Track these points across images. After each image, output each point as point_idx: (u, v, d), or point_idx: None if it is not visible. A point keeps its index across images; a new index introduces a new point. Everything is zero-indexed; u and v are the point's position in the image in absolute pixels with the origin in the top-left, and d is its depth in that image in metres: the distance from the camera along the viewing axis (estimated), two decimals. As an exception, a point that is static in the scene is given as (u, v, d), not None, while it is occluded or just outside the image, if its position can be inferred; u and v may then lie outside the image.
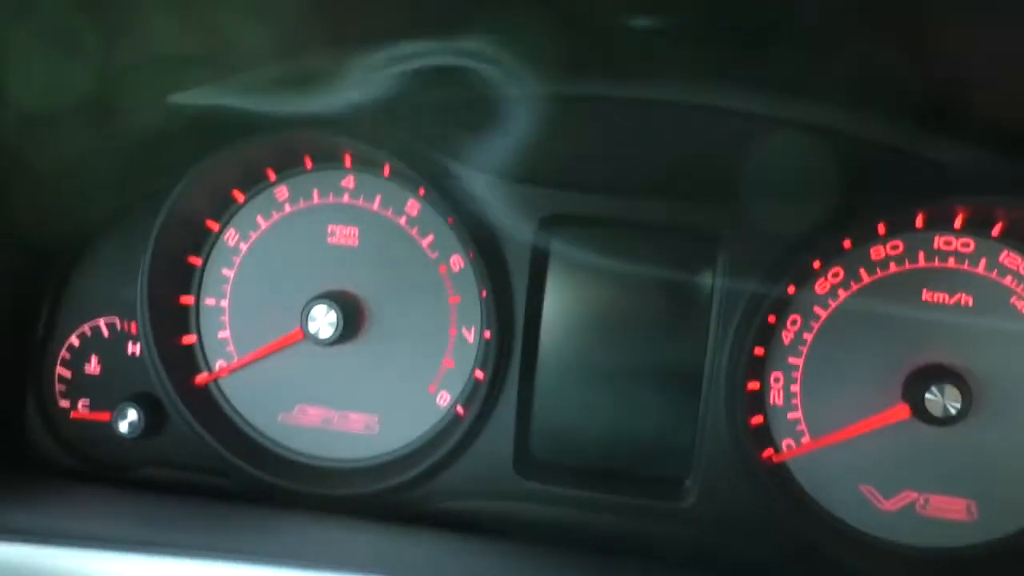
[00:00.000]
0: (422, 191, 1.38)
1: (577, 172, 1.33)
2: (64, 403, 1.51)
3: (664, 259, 1.35)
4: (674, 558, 1.32)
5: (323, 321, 1.39)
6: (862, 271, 1.31)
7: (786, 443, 1.34)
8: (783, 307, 1.32)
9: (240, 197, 1.46)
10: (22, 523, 1.21)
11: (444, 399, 1.43)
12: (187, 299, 1.48)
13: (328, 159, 1.42)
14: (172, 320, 1.47)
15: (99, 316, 1.51)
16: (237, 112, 1.31)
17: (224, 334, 1.48)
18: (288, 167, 1.44)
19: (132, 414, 1.45)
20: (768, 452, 1.34)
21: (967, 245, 1.29)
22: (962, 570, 1.27)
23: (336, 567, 1.16)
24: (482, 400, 1.35)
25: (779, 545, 1.30)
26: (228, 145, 1.36)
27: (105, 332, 1.51)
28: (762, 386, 1.34)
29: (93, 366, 1.51)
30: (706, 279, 1.33)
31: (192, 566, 1.16)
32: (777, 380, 1.34)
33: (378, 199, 1.42)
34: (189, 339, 1.48)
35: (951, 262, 1.29)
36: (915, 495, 1.31)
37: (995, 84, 1.09)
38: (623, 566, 1.30)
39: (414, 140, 1.35)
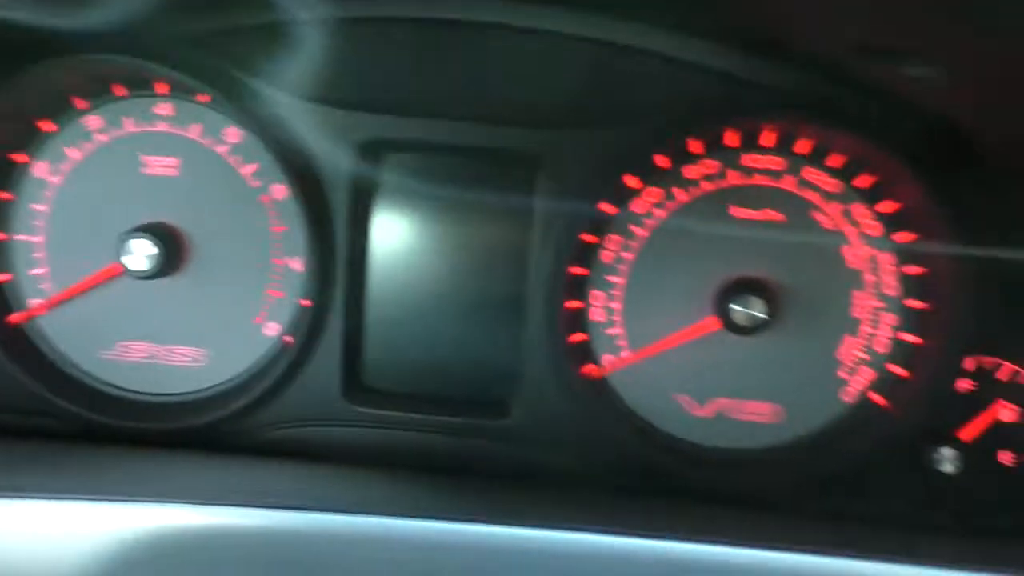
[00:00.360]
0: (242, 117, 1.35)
1: (394, 96, 1.32)
2: None
3: (484, 183, 1.36)
4: (501, 475, 1.36)
5: (140, 254, 1.35)
6: (677, 190, 1.35)
7: (606, 358, 1.39)
8: (603, 227, 1.35)
9: (48, 127, 1.39)
10: None
11: (271, 329, 1.42)
12: (-4, 236, 1.41)
13: (141, 86, 1.37)
14: None
15: None
16: (30, 30, 1.24)
17: (38, 271, 1.42)
18: (98, 95, 1.38)
19: (-58, 357, 1.38)
20: (589, 368, 1.38)
21: (775, 163, 1.34)
22: (770, 467, 1.35)
23: (166, 499, 1.15)
24: (307, 328, 1.35)
25: (601, 456, 1.35)
26: (27, 71, 1.30)
27: (-91, 273, 1.42)
28: (584, 305, 1.38)
29: None
30: (526, 202, 1.35)
31: (21, 506, 1.13)
32: (598, 298, 1.38)
33: (196, 127, 1.38)
34: (1, 278, 1.42)
35: (760, 179, 1.35)
36: (727, 401, 1.38)
37: (811, 22, 1.12)
38: (450, 485, 1.32)
39: (225, 65, 1.31)
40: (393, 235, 1.38)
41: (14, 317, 1.42)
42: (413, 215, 1.38)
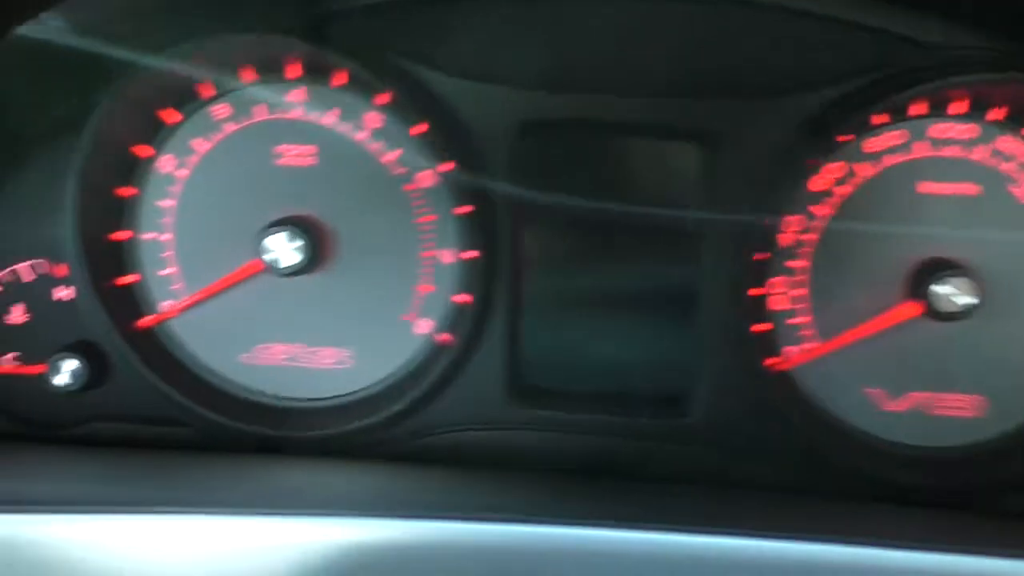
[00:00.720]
0: (386, 98, 1.23)
1: (560, 72, 1.20)
2: None
3: (655, 163, 1.25)
4: (678, 477, 1.26)
5: (284, 249, 1.25)
6: (859, 165, 1.23)
7: (791, 350, 1.28)
8: (782, 209, 1.23)
9: (172, 117, 1.28)
10: None
11: (422, 327, 1.32)
12: (122, 235, 1.31)
13: (272, 70, 1.25)
14: (107, 259, 1.31)
15: (22, 258, 1.34)
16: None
17: (168, 271, 1.33)
18: (225, 81, 1.27)
19: (70, 364, 1.30)
20: (772, 360, 1.27)
21: (964, 132, 1.22)
22: (971, 466, 1.25)
23: (312, 511, 1.07)
24: (469, 325, 1.25)
25: (787, 456, 1.25)
26: (152, 57, 1.19)
27: (26, 276, 1.33)
28: (764, 292, 1.26)
29: (17, 315, 1.35)
30: (699, 182, 1.23)
31: (158, 522, 1.06)
32: (779, 285, 1.27)
33: (333, 113, 1.27)
34: (128, 279, 1.32)
35: (950, 151, 1.22)
36: (922, 395, 1.27)
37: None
38: (625, 490, 1.23)
39: (374, 42, 1.19)
40: (556, 222, 1.27)
41: (144, 321, 1.33)
42: (577, 201, 1.26)
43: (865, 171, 1.24)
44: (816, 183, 1.24)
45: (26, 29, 1.15)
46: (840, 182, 1.24)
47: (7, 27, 1.14)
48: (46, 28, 1.19)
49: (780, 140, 1.20)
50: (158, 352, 1.34)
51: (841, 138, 1.22)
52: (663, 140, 1.24)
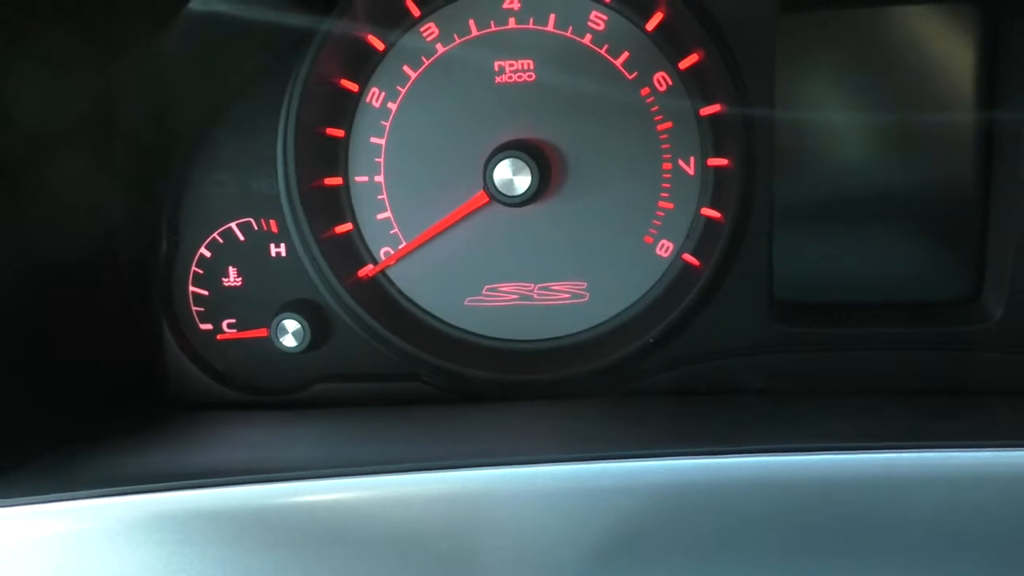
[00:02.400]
0: None
1: None
2: (206, 326, 1.29)
3: (925, 36, 1.08)
4: (981, 389, 1.10)
5: (512, 178, 1.13)
6: None
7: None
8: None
9: (379, 45, 1.18)
10: (194, 464, 0.99)
11: (665, 248, 1.19)
12: (334, 180, 1.23)
13: (480, -24, 1.14)
14: (322, 208, 1.22)
15: (230, 220, 1.26)
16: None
17: (384, 215, 1.24)
18: (433, -4, 1.16)
19: (293, 325, 1.23)
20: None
21: None
22: None
23: (585, 456, 0.95)
24: (723, 243, 1.11)
25: None
26: None
27: (239, 236, 1.26)
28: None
29: (233, 278, 1.29)
30: (977, 57, 1.06)
31: (416, 480, 0.95)
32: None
33: (552, 17, 1.15)
34: (344, 228, 1.24)
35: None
36: None
37: None
38: (923, 408, 1.07)
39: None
40: (820, 119, 1.12)
41: (364, 271, 1.24)
42: (833, 89, 1.11)
43: None
44: None
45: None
46: None
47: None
48: None
49: None
50: (382, 303, 1.25)
51: None
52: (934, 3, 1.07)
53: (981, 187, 1.12)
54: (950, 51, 1.11)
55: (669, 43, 1.11)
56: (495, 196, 1.15)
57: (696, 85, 1.11)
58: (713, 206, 1.14)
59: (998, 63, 1.08)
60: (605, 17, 1.14)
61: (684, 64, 1.10)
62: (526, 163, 1.13)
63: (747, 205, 1.11)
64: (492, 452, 0.99)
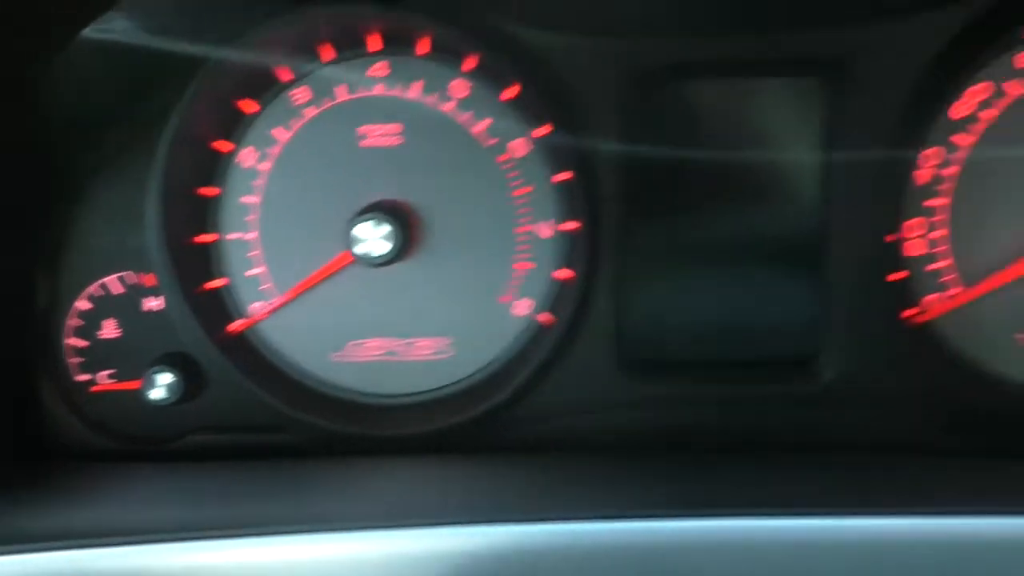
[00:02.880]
0: (473, 63, 1.15)
1: (664, 15, 1.11)
2: (82, 377, 1.31)
3: (771, 104, 1.15)
4: (812, 446, 1.14)
5: (374, 238, 1.18)
6: (1010, 84, 1.11)
7: (932, 299, 1.15)
8: (919, 142, 1.11)
9: (250, 107, 1.23)
10: (61, 524, 1.02)
11: (522, 307, 1.23)
12: (206, 237, 1.26)
13: (351, 45, 1.19)
14: (193, 263, 1.26)
15: (107, 272, 1.29)
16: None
17: (256, 271, 1.27)
18: (302, 62, 1.21)
19: (165, 378, 1.25)
20: (911, 311, 1.14)
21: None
22: None
23: (435, 521, 0.99)
24: (573, 302, 1.15)
25: (933, 415, 1.13)
26: (225, 46, 1.14)
27: (115, 289, 1.29)
28: (900, 237, 1.14)
29: (109, 330, 1.31)
30: (820, 121, 1.12)
31: (274, 544, 0.98)
32: (917, 228, 1.14)
33: (417, 85, 1.20)
34: (216, 283, 1.27)
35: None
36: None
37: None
38: (757, 463, 1.12)
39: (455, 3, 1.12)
40: (666, 183, 1.18)
41: (235, 326, 1.27)
42: (688, 158, 1.17)
43: (1015, 90, 1.11)
44: (957, 109, 1.12)
45: (91, 31, 1.11)
46: (985, 105, 1.12)
47: (72, 31, 1.10)
48: (111, 29, 1.15)
49: (913, 64, 1.09)
50: (251, 357, 1.29)
51: (987, 55, 1.09)
52: (781, 77, 1.13)
53: (821, 253, 1.17)
54: (795, 117, 1.17)
55: (524, 113, 1.16)
56: (357, 256, 1.19)
57: (549, 153, 1.16)
58: (565, 266, 1.18)
59: (834, 128, 1.13)
60: (468, 85, 1.19)
61: (537, 133, 1.15)
62: (388, 224, 1.18)
63: (594, 266, 1.15)
64: (330, 516, 1.01)
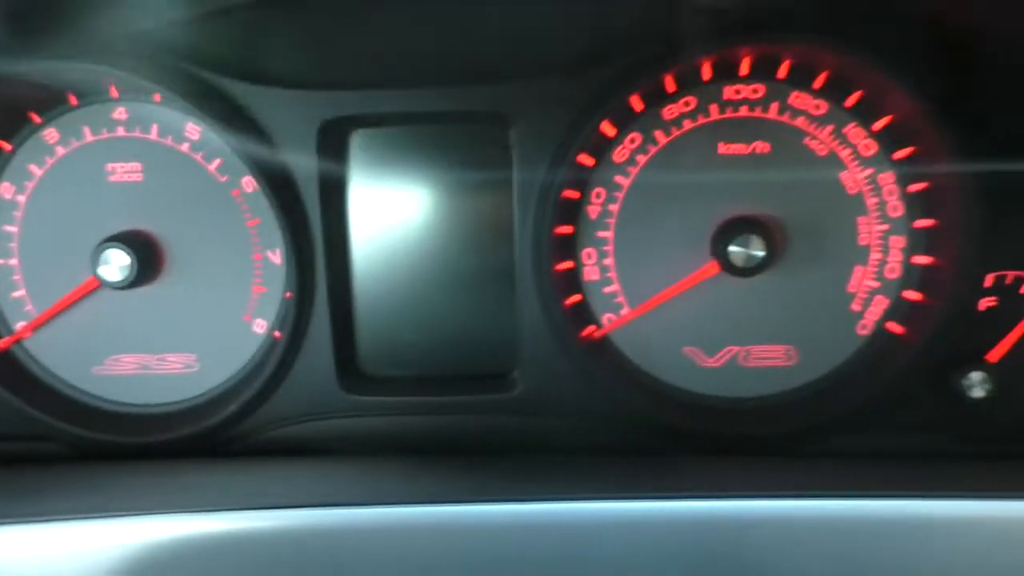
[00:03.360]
0: (201, 112, 1.29)
1: (352, 71, 1.26)
2: None
3: (457, 151, 1.31)
4: (510, 449, 1.31)
5: (114, 265, 1.31)
6: (658, 133, 1.28)
7: (606, 317, 1.33)
8: (585, 182, 1.29)
9: (6, 146, 1.35)
10: None
11: (261, 326, 1.38)
12: (-29, 263, 1.38)
13: (93, 92, 1.32)
14: None
15: None
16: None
17: (19, 293, 1.39)
18: (52, 106, 1.34)
19: (-63, 390, 1.35)
20: (589, 330, 1.32)
21: (756, 91, 1.26)
22: (788, 412, 1.29)
23: (168, 510, 1.14)
24: (292, 321, 1.30)
25: (609, 420, 1.30)
26: None
27: None
28: (576, 265, 1.31)
29: None
30: (504, 165, 1.28)
31: (32, 531, 1.13)
32: (590, 256, 1.32)
33: (155, 128, 1.33)
34: (-20, 305, 1.39)
35: (743, 111, 1.27)
36: (737, 348, 1.31)
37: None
38: (458, 466, 1.28)
39: (175, 61, 1.26)
40: (372, 215, 1.33)
41: (1, 343, 1.39)
42: (389, 193, 1.33)
43: (663, 138, 1.28)
44: (618, 154, 1.29)
45: None
46: (639, 151, 1.29)
47: None
48: None
49: (575, 113, 1.24)
50: (16, 372, 1.41)
51: (638, 107, 1.26)
52: (462, 126, 1.29)
53: (508, 274, 1.32)
54: (481, 160, 1.32)
55: (244, 155, 1.30)
56: (102, 280, 1.32)
57: (272, 189, 1.30)
58: (289, 289, 1.33)
59: (514, 170, 1.29)
60: (199, 129, 1.33)
61: (262, 173, 1.29)
62: (127, 253, 1.31)
63: (307, 290, 1.30)
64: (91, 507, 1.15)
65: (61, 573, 1.13)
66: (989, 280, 1.26)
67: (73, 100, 1.34)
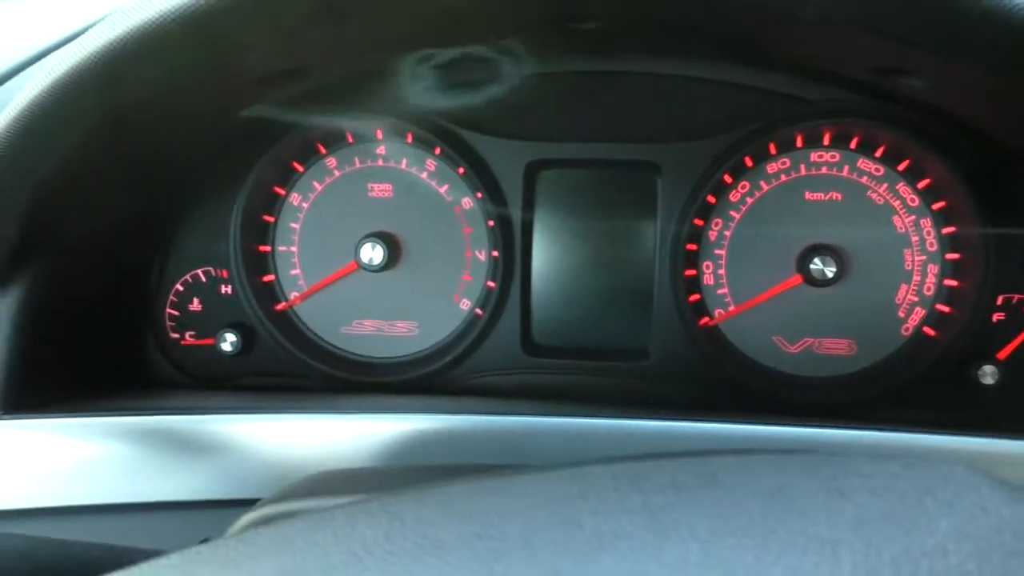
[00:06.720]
0: (438, 151, 1.87)
1: (552, 127, 1.78)
2: (174, 335, 1.82)
3: (618, 189, 1.73)
4: (643, 404, 1.81)
5: (371, 254, 1.87)
6: (762, 182, 1.80)
7: (718, 312, 1.81)
8: (708, 214, 1.81)
9: (300, 168, 1.93)
10: (160, 405, 1.55)
11: (465, 305, 1.86)
12: (265, 248, 1.90)
13: (365, 135, 1.91)
14: (255, 264, 1.78)
15: (197, 267, 1.81)
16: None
17: (295, 272, 1.93)
18: (335, 142, 1.84)
19: (231, 337, 1.85)
20: (705, 320, 1.83)
21: (834, 156, 1.78)
22: (846, 388, 1.78)
23: (396, 413, 1.49)
24: (494, 304, 1.80)
25: (716, 387, 1.71)
26: (291, 132, 1.85)
27: (202, 278, 1.87)
28: (697, 273, 1.84)
29: (195, 305, 1.82)
30: (651, 200, 1.71)
31: (298, 422, 1.49)
32: (708, 267, 1.83)
33: (404, 161, 1.91)
34: (269, 278, 1.93)
35: (824, 170, 1.78)
36: (811, 340, 1.81)
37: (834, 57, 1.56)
38: (609, 411, 1.78)
39: (432, 115, 1.83)
40: (551, 232, 1.85)
41: (279, 306, 1.92)
42: (564, 216, 1.85)
43: (765, 186, 1.81)
44: (733, 196, 1.82)
45: (250, 110, 1.48)
46: (748, 195, 1.82)
47: (235, 110, 1.47)
48: (266, 108, 1.53)
49: (705, 167, 1.77)
50: (289, 327, 1.87)
51: (749, 163, 1.79)
52: (625, 171, 1.83)
53: (650, 281, 1.75)
54: (634, 198, 1.85)
55: (468, 184, 1.86)
56: (361, 264, 1.89)
57: (484, 209, 1.85)
58: (491, 280, 1.88)
59: (658, 206, 1.81)
60: (435, 163, 1.86)
61: (477, 196, 1.85)
62: (380, 246, 1.87)
63: (507, 282, 1.81)
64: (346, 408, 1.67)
65: (330, 453, 1.48)
66: (1000, 300, 1.73)
67: (350, 139, 1.91)
